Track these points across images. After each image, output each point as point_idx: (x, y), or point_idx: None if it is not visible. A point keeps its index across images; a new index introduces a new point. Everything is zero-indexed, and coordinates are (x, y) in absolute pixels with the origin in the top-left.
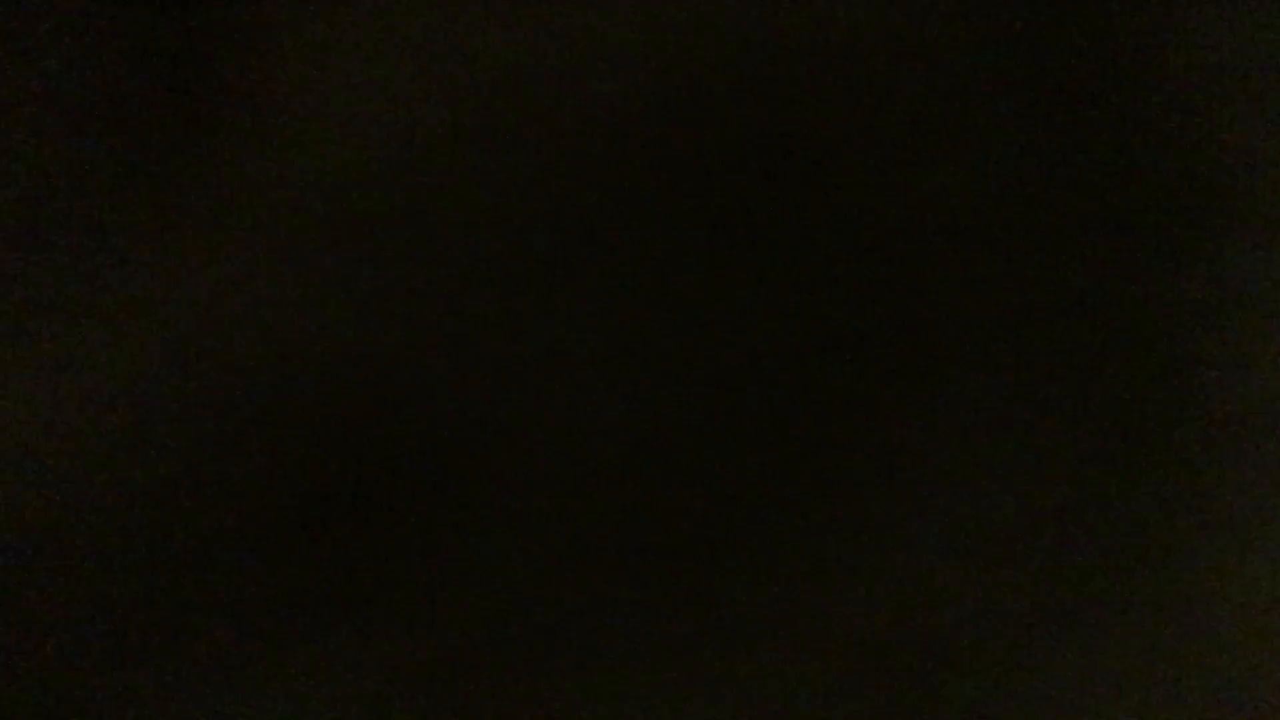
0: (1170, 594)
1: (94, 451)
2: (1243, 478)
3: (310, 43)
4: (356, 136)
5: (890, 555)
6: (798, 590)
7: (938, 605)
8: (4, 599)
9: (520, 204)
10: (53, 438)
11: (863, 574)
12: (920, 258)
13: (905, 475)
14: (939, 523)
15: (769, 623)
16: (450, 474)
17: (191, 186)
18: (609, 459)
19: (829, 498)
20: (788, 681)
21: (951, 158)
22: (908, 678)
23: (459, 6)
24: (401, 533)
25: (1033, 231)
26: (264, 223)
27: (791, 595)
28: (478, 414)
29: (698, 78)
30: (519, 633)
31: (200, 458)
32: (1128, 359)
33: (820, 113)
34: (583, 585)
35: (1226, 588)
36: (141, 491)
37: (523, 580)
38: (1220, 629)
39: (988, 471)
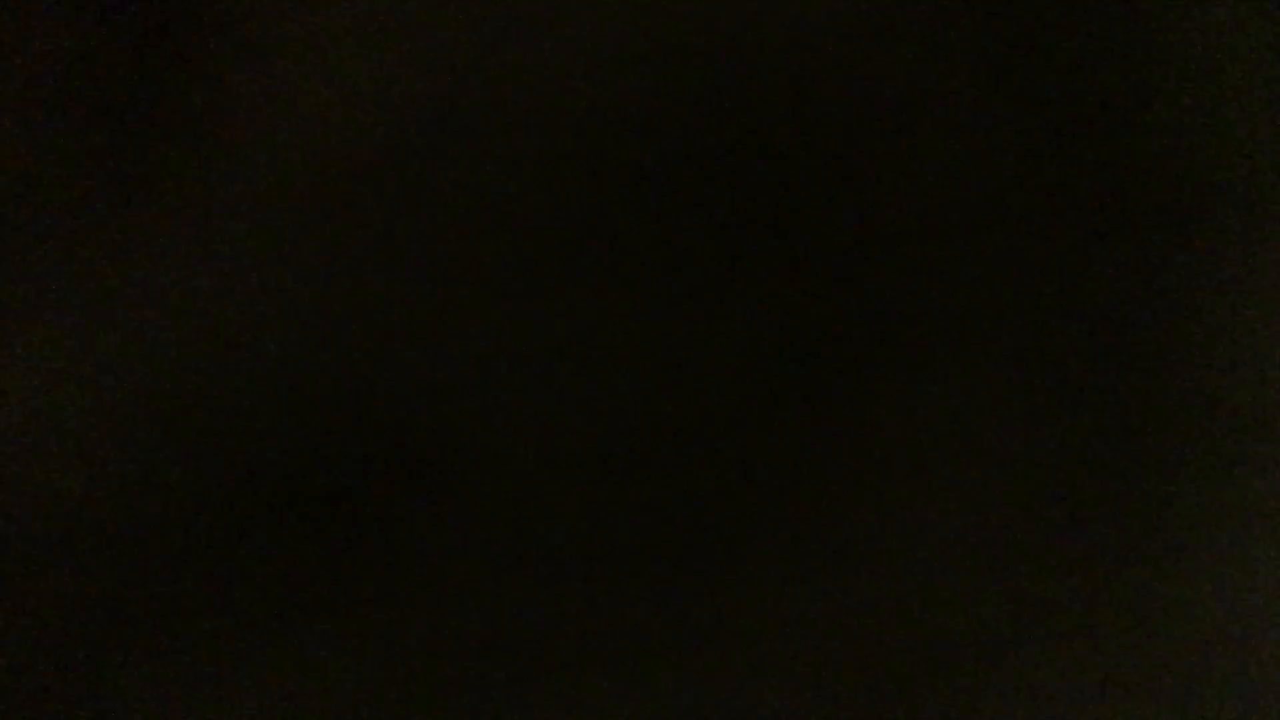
0: (1168, 593)
1: (75, 448)
2: (1241, 476)
3: (300, 36)
4: (344, 132)
5: (884, 554)
6: (790, 590)
7: (934, 605)
8: None
9: (506, 199)
10: (39, 432)
11: (856, 574)
12: (915, 255)
13: (900, 473)
14: (934, 521)
15: (760, 623)
16: (438, 471)
17: (178, 181)
18: (598, 456)
19: (821, 496)
20: (780, 681)
21: (945, 153)
22: (902, 678)
23: (451, 1)
24: (387, 529)
25: (1028, 228)
26: (250, 217)
27: (784, 594)
28: (466, 411)
29: (685, 73)
30: (506, 631)
31: (183, 454)
32: (1124, 356)
33: (809, 110)
34: (571, 585)
35: (1225, 587)
36: (124, 488)
37: (509, 578)
38: (1218, 628)
39: (982, 470)
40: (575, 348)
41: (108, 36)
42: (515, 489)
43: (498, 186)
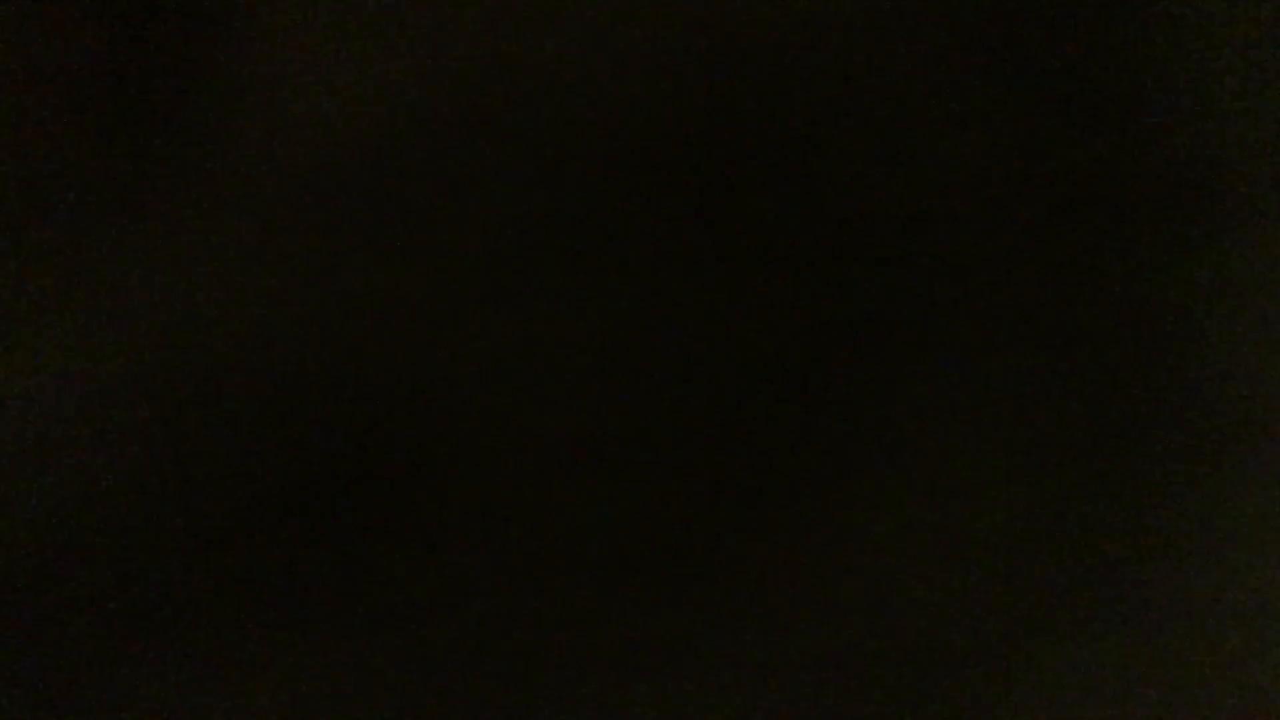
0: (1167, 594)
1: (75, 448)
2: (1242, 476)
3: (301, 36)
4: (345, 132)
5: (884, 554)
6: (788, 590)
7: (932, 606)
8: None
9: (507, 199)
10: (39, 432)
11: (855, 573)
12: (915, 255)
13: (899, 473)
14: (934, 520)
15: (758, 625)
16: (438, 470)
17: (178, 181)
18: (598, 456)
19: (820, 497)
20: (780, 681)
21: (946, 151)
22: (903, 678)
23: (453, 1)
24: (387, 529)
25: (1027, 227)
26: (251, 217)
27: (781, 595)
28: (467, 410)
29: (685, 73)
30: (507, 631)
31: (183, 454)
32: (1124, 356)
33: (812, 105)
34: (571, 585)
35: (1225, 588)
36: (124, 488)
37: (510, 578)
38: (1219, 629)
39: (981, 471)
40: (576, 347)
41: (109, 37)
42: (515, 488)
43: (499, 186)
